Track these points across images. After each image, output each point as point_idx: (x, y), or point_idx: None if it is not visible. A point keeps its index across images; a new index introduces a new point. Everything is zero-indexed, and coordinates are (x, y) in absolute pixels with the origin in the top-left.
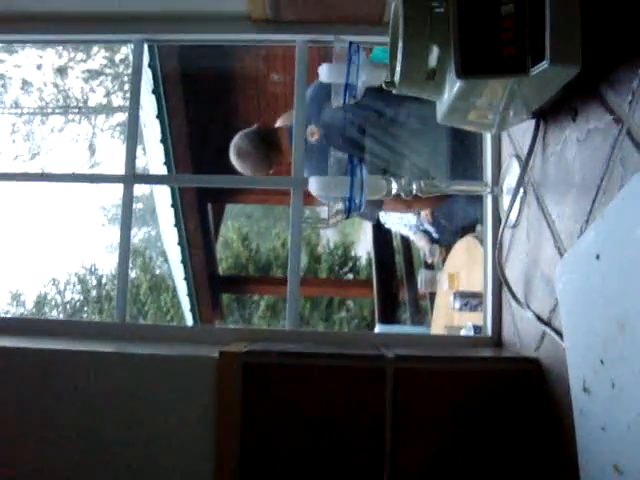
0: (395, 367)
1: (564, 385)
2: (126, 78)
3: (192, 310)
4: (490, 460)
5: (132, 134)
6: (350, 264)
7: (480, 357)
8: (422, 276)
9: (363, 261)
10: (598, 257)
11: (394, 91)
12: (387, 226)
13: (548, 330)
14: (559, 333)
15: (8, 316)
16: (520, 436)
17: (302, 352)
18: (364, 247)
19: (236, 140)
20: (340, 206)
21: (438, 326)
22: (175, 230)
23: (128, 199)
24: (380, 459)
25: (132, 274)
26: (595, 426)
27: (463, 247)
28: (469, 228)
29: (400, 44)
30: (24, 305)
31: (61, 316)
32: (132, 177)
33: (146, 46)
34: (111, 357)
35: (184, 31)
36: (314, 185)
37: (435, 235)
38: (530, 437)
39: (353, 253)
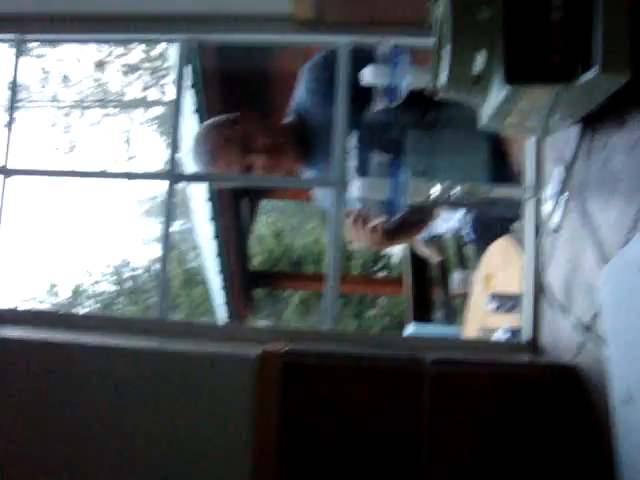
0: (433, 371)
1: (603, 394)
2: (163, 72)
3: (226, 304)
4: (527, 468)
5: (175, 133)
6: (383, 262)
7: (518, 363)
8: (456, 277)
9: (396, 259)
10: None
11: (439, 96)
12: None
13: (588, 338)
14: (600, 342)
15: (50, 309)
16: (557, 444)
17: (342, 353)
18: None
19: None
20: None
21: (471, 327)
22: (211, 224)
23: (170, 197)
24: (417, 462)
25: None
26: (638, 436)
27: (499, 248)
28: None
29: (447, 49)
30: (57, 295)
31: (97, 305)
32: (175, 175)
33: None
34: (150, 353)
35: (228, 31)
36: (356, 186)
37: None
38: (568, 445)
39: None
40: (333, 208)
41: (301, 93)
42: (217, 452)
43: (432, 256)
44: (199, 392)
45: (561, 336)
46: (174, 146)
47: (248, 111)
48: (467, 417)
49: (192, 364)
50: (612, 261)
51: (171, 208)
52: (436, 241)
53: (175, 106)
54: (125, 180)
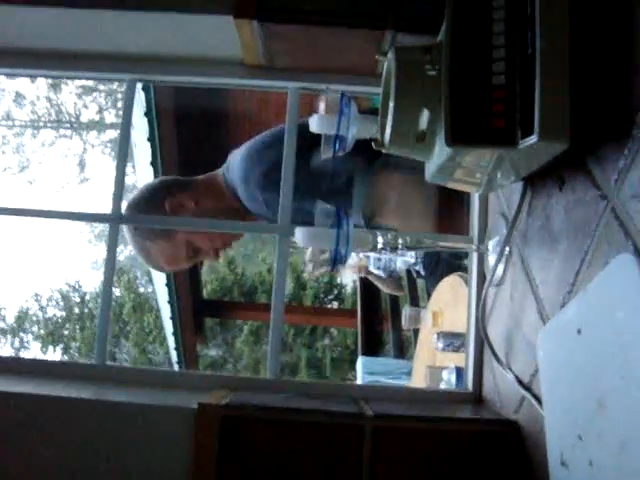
0: (374, 425)
1: (542, 452)
2: (120, 95)
3: (175, 333)
4: None
5: (120, 173)
6: (335, 292)
7: (459, 418)
8: (406, 312)
9: (349, 289)
10: (579, 332)
11: (383, 150)
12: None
13: (528, 395)
14: (538, 399)
15: None
16: None
17: (281, 407)
18: (350, 275)
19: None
20: (326, 256)
21: (421, 363)
22: None
23: (113, 240)
24: None
25: (117, 292)
26: None
27: (448, 285)
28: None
29: (391, 105)
30: (4, 320)
31: (42, 332)
32: (118, 218)
33: None
34: (85, 404)
35: (177, 73)
36: (300, 235)
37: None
38: None
39: (339, 280)
40: (279, 260)
41: (239, 184)
42: None
43: (395, 291)
44: (135, 444)
45: (503, 388)
46: (118, 187)
47: (178, 194)
48: (408, 472)
49: (128, 415)
50: (549, 323)
51: (113, 252)
52: (394, 277)
53: (120, 145)
54: (72, 200)
